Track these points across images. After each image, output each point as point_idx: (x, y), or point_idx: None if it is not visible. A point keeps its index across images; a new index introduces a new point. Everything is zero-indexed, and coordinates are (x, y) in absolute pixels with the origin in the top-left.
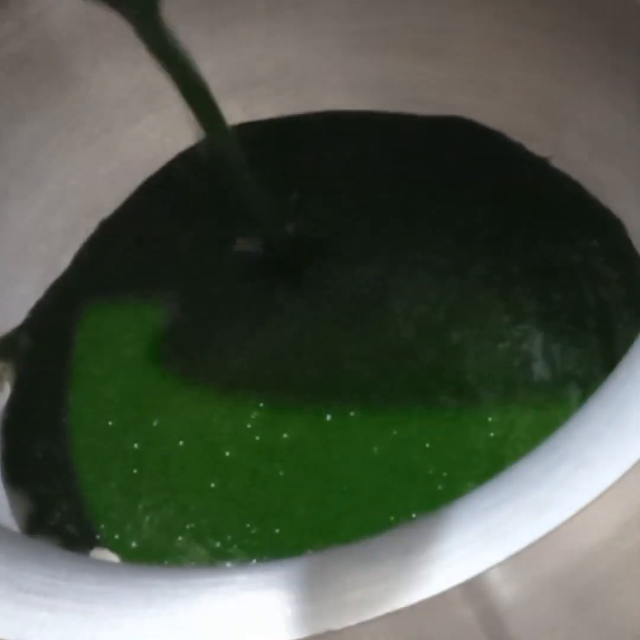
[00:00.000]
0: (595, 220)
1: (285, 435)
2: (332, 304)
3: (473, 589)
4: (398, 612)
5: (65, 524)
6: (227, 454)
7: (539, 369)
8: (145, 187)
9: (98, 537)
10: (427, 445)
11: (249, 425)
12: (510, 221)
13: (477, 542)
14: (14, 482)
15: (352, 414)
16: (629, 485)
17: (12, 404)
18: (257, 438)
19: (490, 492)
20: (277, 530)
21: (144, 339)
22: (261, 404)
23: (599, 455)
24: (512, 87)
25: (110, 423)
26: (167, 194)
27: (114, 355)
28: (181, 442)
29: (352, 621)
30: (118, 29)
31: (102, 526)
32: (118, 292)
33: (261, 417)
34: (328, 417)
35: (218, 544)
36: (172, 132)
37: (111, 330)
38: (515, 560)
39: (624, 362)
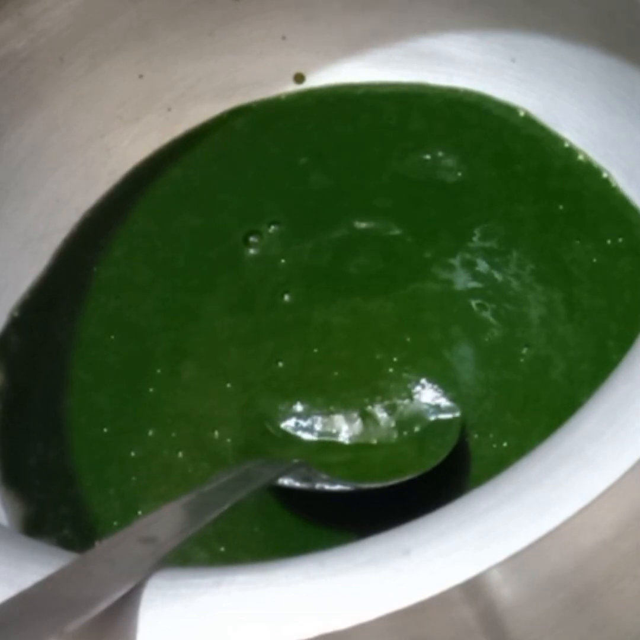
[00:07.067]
0: (621, 217)
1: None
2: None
3: (473, 589)
4: (398, 612)
5: (62, 528)
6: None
7: (558, 375)
8: (137, 187)
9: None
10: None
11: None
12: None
13: (477, 542)
14: (10, 487)
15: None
16: (629, 485)
17: (6, 408)
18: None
19: (490, 492)
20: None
21: (134, 344)
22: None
23: (599, 455)
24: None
25: (105, 430)
26: (162, 194)
27: (103, 361)
28: (180, 454)
29: (352, 621)
30: (118, 29)
31: (100, 530)
32: (108, 295)
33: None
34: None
35: (222, 548)
36: (171, 132)
37: (101, 334)
38: (515, 560)
39: (624, 362)
